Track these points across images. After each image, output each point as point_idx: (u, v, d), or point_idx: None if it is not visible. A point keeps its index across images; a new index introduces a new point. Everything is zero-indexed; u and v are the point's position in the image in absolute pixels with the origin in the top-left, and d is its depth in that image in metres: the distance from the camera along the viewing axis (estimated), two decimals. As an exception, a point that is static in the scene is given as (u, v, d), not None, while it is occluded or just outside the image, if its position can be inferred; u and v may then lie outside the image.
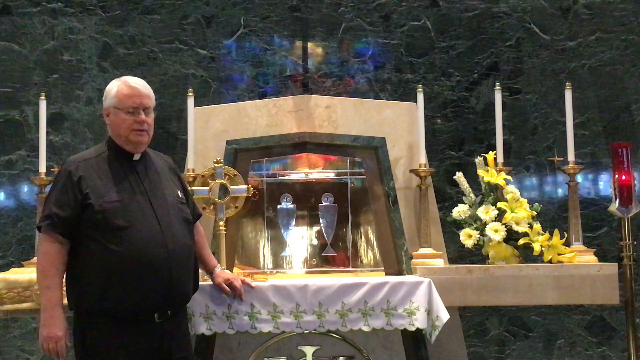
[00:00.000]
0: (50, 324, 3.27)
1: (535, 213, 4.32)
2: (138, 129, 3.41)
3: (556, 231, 4.27)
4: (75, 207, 3.29)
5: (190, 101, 4.42)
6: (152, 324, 3.31)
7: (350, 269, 4.63)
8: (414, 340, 4.07)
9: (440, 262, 4.32)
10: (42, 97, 4.51)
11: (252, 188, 4.30)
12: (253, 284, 3.83)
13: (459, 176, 4.53)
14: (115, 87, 3.47)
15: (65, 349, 3.26)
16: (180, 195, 3.54)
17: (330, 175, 4.78)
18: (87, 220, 3.28)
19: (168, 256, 3.31)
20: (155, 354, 3.33)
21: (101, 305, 3.26)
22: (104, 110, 3.50)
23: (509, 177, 4.42)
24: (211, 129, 4.59)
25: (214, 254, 3.91)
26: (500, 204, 4.30)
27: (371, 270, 4.60)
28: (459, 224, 4.40)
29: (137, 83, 3.48)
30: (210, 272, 3.80)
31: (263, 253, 4.71)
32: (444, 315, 3.86)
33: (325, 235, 4.68)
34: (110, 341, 3.27)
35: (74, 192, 3.30)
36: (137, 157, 3.46)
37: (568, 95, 4.55)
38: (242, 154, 4.54)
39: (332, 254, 4.68)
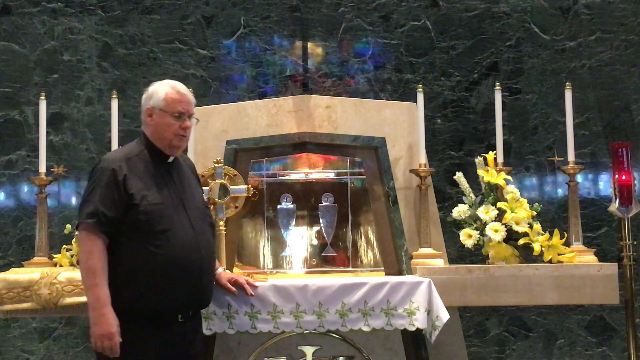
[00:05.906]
0: (102, 321, 3.22)
1: (535, 213, 4.32)
2: (181, 135, 3.45)
3: (556, 231, 4.27)
4: (121, 206, 3.27)
5: (190, 101, 4.42)
6: (176, 323, 3.36)
7: (350, 269, 4.63)
8: (414, 340, 4.07)
9: (440, 262, 4.31)
10: (42, 97, 4.51)
11: (252, 188, 4.30)
12: (256, 283, 3.84)
13: (459, 176, 4.53)
14: (163, 90, 3.47)
15: (118, 346, 3.23)
16: (205, 200, 3.63)
17: (330, 175, 4.77)
18: (129, 220, 3.28)
19: (201, 261, 3.37)
20: (176, 351, 3.37)
21: (133, 305, 3.27)
22: (146, 109, 3.47)
23: (509, 177, 4.41)
24: (211, 129, 4.59)
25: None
26: (500, 204, 4.30)
27: (371, 270, 4.60)
28: (459, 224, 4.39)
29: (185, 90, 3.52)
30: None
31: (263, 253, 4.71)
32: (444, 315, 3.85)
33: (325, 235, 4.67)
34: (137, 339, 3.27)
35: (120, 191, 3.28)
36: (171, 159, 3.50)
37: (568, 95, 4.55)
38: (242, 154, 4.54)
39: (332, 254, 4.67)
